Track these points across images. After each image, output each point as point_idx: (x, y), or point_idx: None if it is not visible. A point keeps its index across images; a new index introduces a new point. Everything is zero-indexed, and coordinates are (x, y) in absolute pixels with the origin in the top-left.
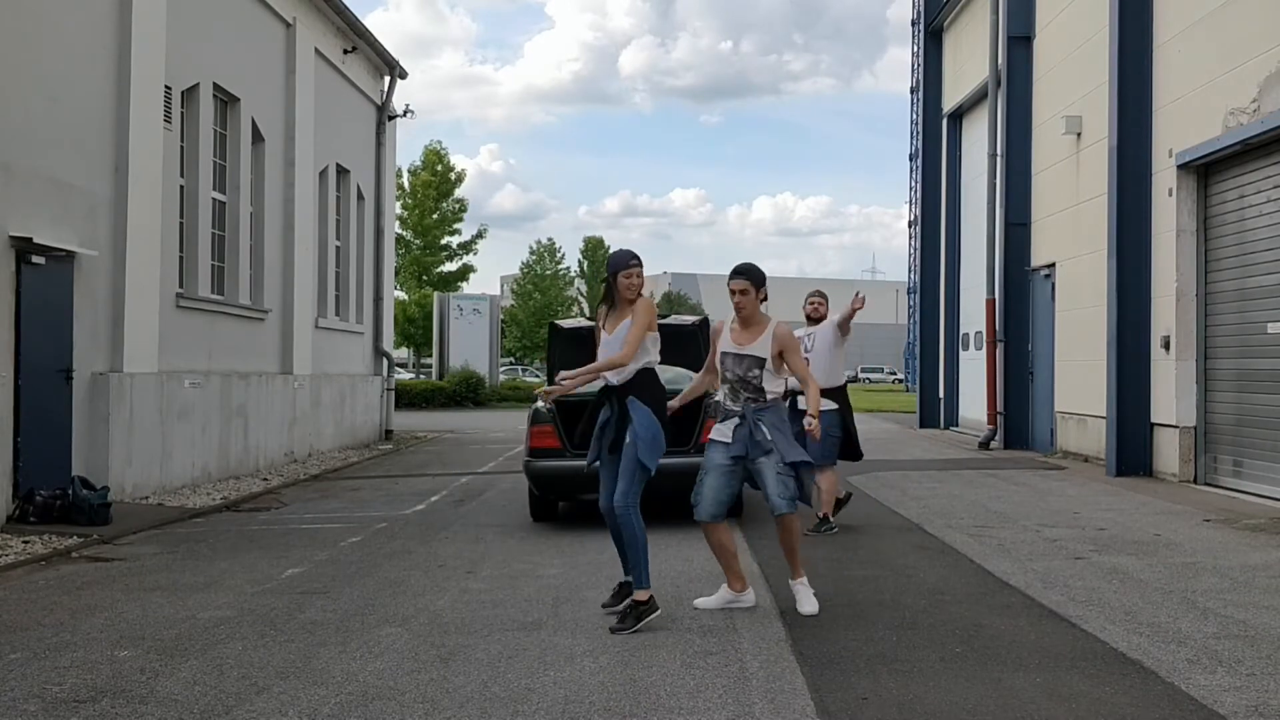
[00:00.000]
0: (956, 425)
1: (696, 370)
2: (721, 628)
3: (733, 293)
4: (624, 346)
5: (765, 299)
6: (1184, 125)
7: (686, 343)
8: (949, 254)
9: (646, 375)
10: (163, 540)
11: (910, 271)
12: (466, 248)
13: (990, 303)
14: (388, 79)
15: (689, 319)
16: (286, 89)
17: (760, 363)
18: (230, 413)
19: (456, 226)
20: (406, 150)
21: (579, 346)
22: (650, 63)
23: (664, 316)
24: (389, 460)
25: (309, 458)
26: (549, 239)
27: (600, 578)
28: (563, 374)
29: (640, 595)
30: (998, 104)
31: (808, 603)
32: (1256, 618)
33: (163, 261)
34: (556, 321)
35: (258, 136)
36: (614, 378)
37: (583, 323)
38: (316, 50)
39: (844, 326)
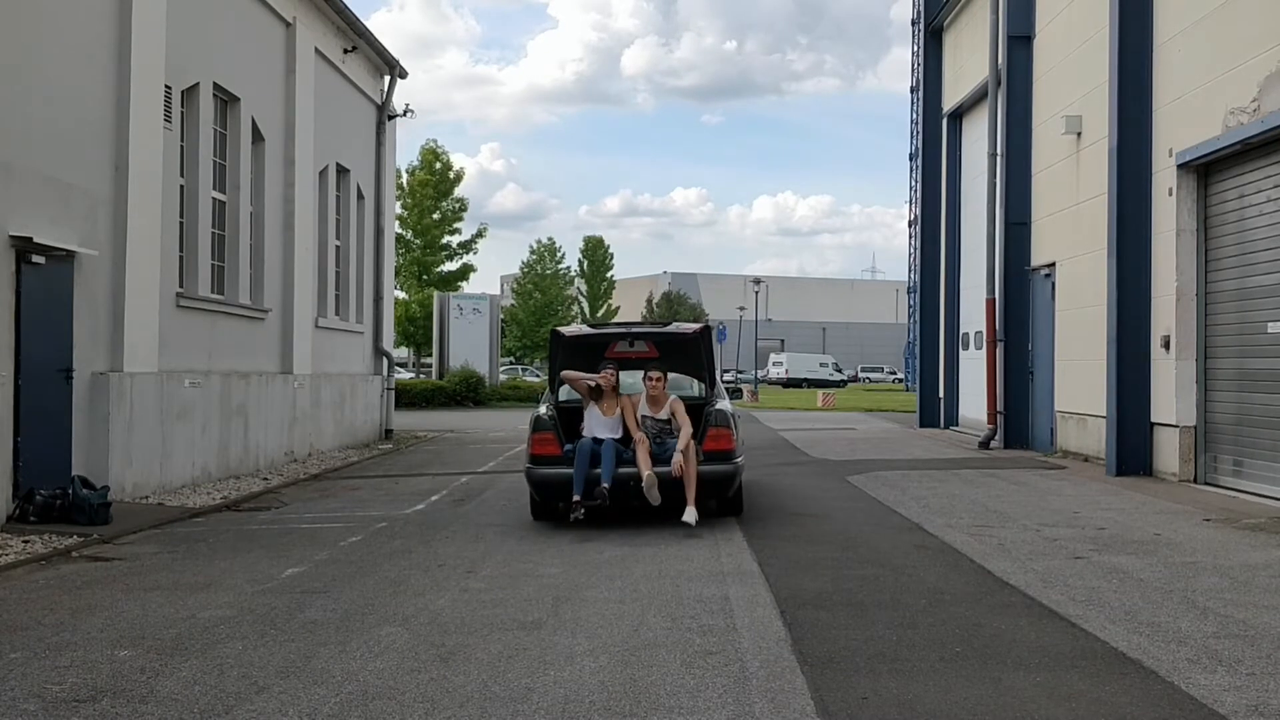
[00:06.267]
0: (956, 425)
1: (697, 376)
2: (721, 628)
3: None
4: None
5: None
6: (1184, 125)
7: (688, 349)
8: (949, 254)
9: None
10: (163, 540)
11: (910, 271)
12: (466, 247)
13: (990, 302)
14: (388, 78)
15: (689, 327)
16: (286, 88)
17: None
18: (230, 412)
19: (456, 226)
20: (409, 150)
21: (581, 353)
22: (653, 62)
23: (665, 324)
24: (389, 460)
25: (309, 457)
26: (549, 238)
27: (600, 577)
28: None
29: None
30: (998, 103)
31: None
32: (1256, 617)
33: (163, 261)
34: (559, 328)
35: (258, 136)
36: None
37: (585, 329)
38: (316, 50)
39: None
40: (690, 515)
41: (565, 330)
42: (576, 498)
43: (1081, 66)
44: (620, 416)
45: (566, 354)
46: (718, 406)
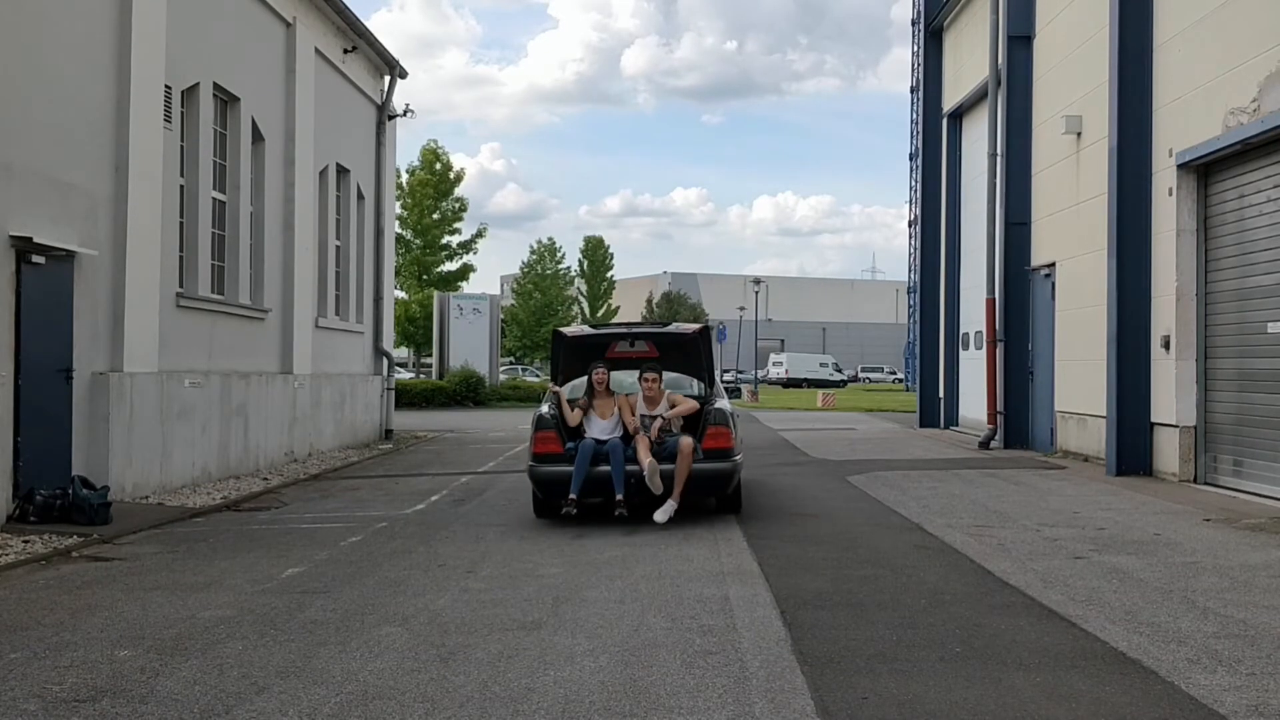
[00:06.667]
0: (956, 425)
1: (696, 375)
2: (721, 627)
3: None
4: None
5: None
6: (1184, 125)
7: (688, 349)
8: (949, 254)
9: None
10: (163, 540)
11: (910, 271)
12: (466, 247)
13: (990, 302)
14: (388, 78)
15: (689, 327)
16: (286, 89)
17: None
18: (230, 412)
19: (456, 226)
20: (409, 150)
21: (582, 353)
22: (653, 63)
23: (665, 324)
24: (389, 460)
25: (309, 457)
26: (549, 238)
27: (600, 577)
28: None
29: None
30: (998, 103)
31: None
32: (1256, 617)
33: (163, 261)
34: (561, 329)
35: (258, 136)
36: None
37: (586, 330)
38: (316, 50)
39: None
40: (663, 514)
41: (567, 330)
42: (573, 496)
43: (1081, 66)
44: (618, 416)
45: (568, 354)
46: (717, 405)
